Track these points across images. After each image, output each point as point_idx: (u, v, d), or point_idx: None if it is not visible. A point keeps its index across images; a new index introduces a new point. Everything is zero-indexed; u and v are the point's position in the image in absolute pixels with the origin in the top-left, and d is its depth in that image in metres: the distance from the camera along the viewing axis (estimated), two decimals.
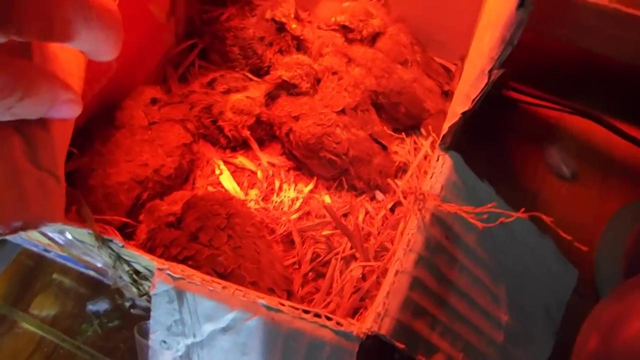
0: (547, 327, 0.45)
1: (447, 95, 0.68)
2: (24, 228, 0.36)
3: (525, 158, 0.72)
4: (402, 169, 0.65)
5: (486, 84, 0.32)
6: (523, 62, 0.67)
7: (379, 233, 0.57)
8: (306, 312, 0.35)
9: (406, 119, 0.66)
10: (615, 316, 0.39)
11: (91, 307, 0.64)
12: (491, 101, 0.41)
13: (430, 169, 0.39)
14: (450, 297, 0.38)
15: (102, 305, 0.64)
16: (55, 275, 0.66)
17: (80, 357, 0.61)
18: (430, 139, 0.63)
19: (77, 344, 0.62)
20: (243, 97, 0.65)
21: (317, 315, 0.35)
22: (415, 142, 0.67)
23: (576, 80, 0.75)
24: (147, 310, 0.63)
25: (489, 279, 0.41)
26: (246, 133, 0.66)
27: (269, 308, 0.36)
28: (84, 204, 0.39)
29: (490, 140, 0.72)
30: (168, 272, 0.37)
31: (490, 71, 0.32)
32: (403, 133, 0.68)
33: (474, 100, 0.34)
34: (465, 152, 0.44)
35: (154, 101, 0.65)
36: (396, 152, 0.66)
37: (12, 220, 0.35)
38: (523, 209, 0.33)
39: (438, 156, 0.39)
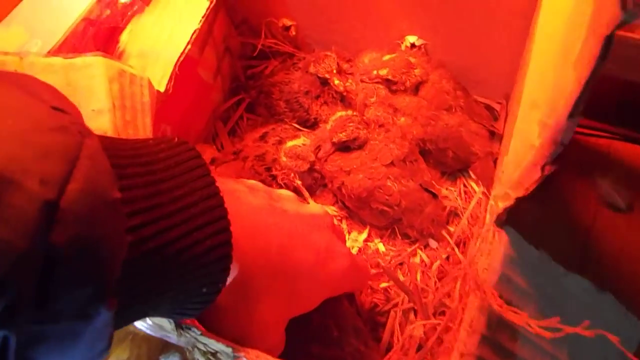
0: None
1: (494, 135, 0.68)
2: None
3: (576, 191, 0.71)
4: (453, 213, 0.66)
5: (540, 178, 0.34)
6: None
7: (437, 288, 0.58)
8: None
9: (454, 163, 0.67)
10: None
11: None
12: None
13: (487, 245, 0.40)
14: None
15: (173, 359, 0.68)
16: (130, 328, 0.70)
17: None
18: (482, 188, 0.64)
19: None
20: (299, 143, 0.67)
21: None
22: (464, 185, 0.68)
23: (622, 107, 0.74)
24: None
25: (550, 346, 0.42)
26: (297, 183, 0.69)
27: None
28: None
29: None
30: (244, 358, 0.39)
31: (543, 167, 0.33)
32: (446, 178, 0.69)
33: (528, 189, 0.35)
34: None
35: (213, 161, 0.68)
36: (446, 197, 0.67)
37: None
38: (588, 323, 0.34)
39: (494, 232, 0.40)
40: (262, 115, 0.76)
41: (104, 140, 0.30)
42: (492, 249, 0.40)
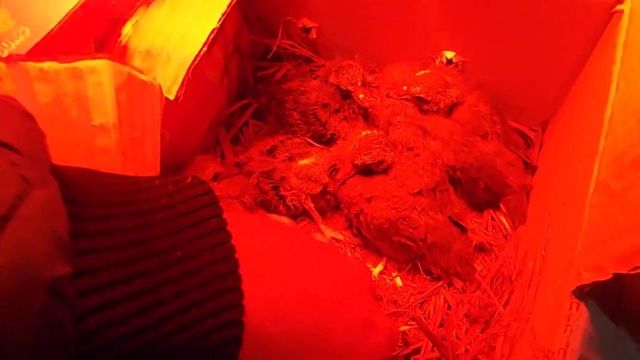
0: None
1: (527, 165, 0.63)
2: None
3: None
4: (478, 248, 0.61)
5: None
6: None
7: (470, 342, 0.52)
8: None
9: (485, 195, 0.61)
10: None
11: None
12: None
13: (563, 320, 0.34)
14: None
15: None
16: None
17: None
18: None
19: None
20: (311, 163, 0.60)
21: None
22: (492, 218, 0.62)
23: None
24: None
25: None
26: (309, 205, 0.62)
27: None
28: None
29: None
30: None
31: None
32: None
33: (638, 268, 0.29)
34: None
35: (215, 177, 0.61)
36: (472, 230, 0.61)
37: None
38: None
39: (571, 304, 0.35)
40: (270, 124, 0.68)
41: (86, 180, 0.24)
42: (571, 325, 0.33)
